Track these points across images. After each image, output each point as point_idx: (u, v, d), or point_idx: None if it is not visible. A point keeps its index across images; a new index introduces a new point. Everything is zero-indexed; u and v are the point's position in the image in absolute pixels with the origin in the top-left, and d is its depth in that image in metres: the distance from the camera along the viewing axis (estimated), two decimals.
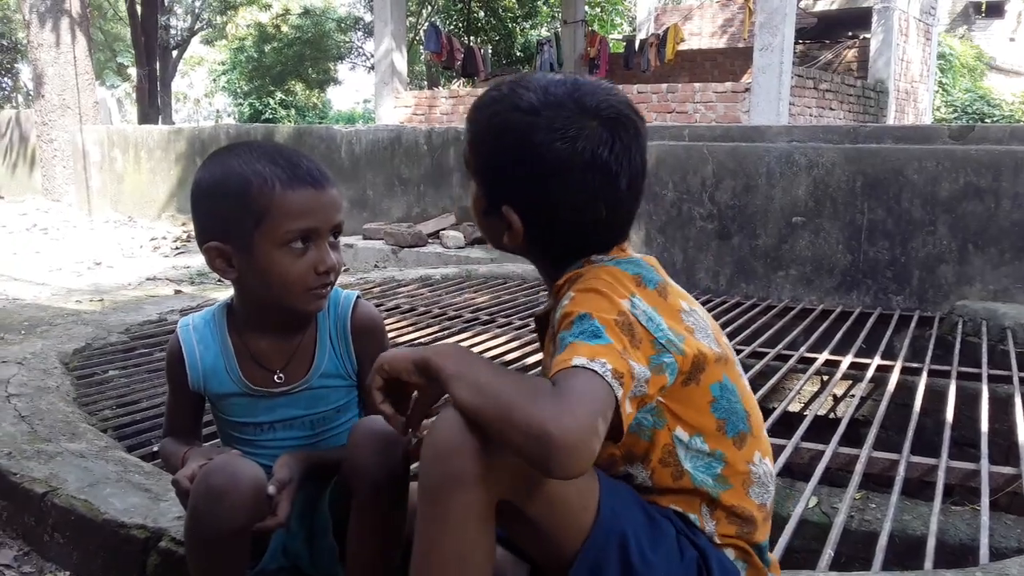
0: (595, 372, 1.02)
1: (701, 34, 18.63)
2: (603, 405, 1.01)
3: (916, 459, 2.49)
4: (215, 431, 1.56)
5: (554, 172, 1.18)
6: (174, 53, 23.19)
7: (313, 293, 1.37)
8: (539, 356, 3.15)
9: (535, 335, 3.71)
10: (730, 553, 1.24)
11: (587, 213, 1.20)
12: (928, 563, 1.85)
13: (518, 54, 20.18)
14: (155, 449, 2.38)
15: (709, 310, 4.25)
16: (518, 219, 1.22)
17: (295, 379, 1.46)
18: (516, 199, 1.22)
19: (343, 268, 1.43)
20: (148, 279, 5.74)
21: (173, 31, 23.45)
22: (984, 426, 2.71)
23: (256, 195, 1.33)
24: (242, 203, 1.34)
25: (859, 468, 2.38)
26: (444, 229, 7.05)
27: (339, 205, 1.40)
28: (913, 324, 3.95)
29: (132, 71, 22.09)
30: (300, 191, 1.34)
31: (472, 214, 1.34)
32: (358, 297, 1.51)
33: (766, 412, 2.92)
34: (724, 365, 1.22)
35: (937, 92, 17.27)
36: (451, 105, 12.38)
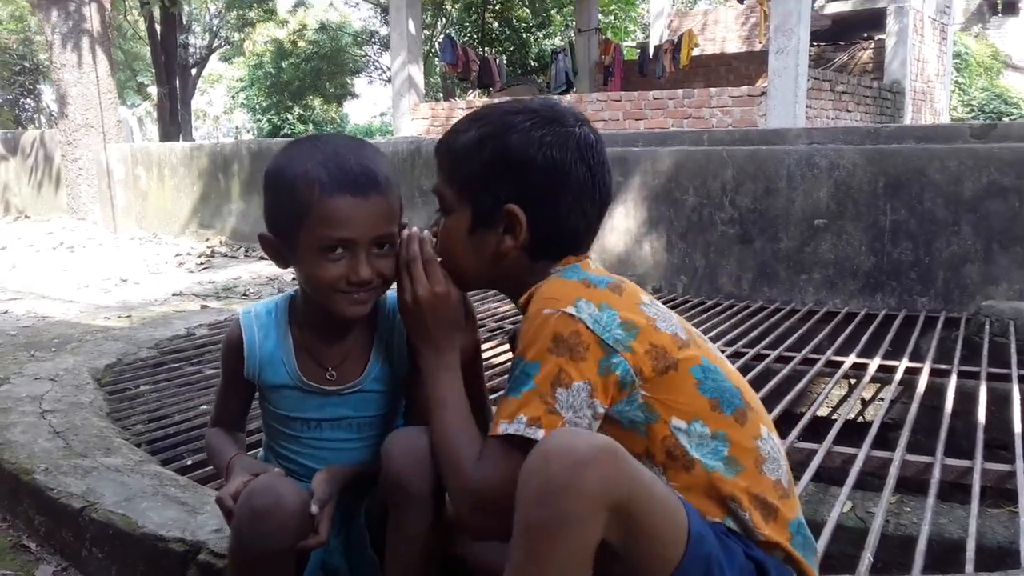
0: (510, 439, 1.18)
1: (715, 39, 18.59)
2: (512, 469, 1.12)
3: (950, 462, 2.47)
4: (259, 426, 1.56)
5: (556, 161, 1.27)
6: (193, 71, 23.43)
7: (347, 298, 1.36)
8: None
9: None
10: (779, 556, 1.22)
11: (582, 204, 1.30)
12: (969, 566, 1.83)
13: (532, 64, 20.24)
14: (188, 463, 2.41)
15: (732, 315, 4.26)
16: (523, 214, 1.28)
17: (347, 379, 1.46)
18: (518, 195, 1.28)
19: (391, 277, 1.39)
20: (174, 295, 5.78)
21: (192, 49, 23.71)
22: (1017, 427, 2.68)
23: (299, 196, 1.32)
24: (288, 201, 1.34)
25: (893, 471, 2.36)
26: None
27: (384, 216, 1.35)
28: (939, 325, 3.92)
29: (152, 90, 22.33)
30: (338, 199, 1.31)
31: (443, 249, 1.37)
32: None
33: (794, 417, 2.91)
34: (698, 348, 1.25)
35: (954, 91, 17.14)
36: None
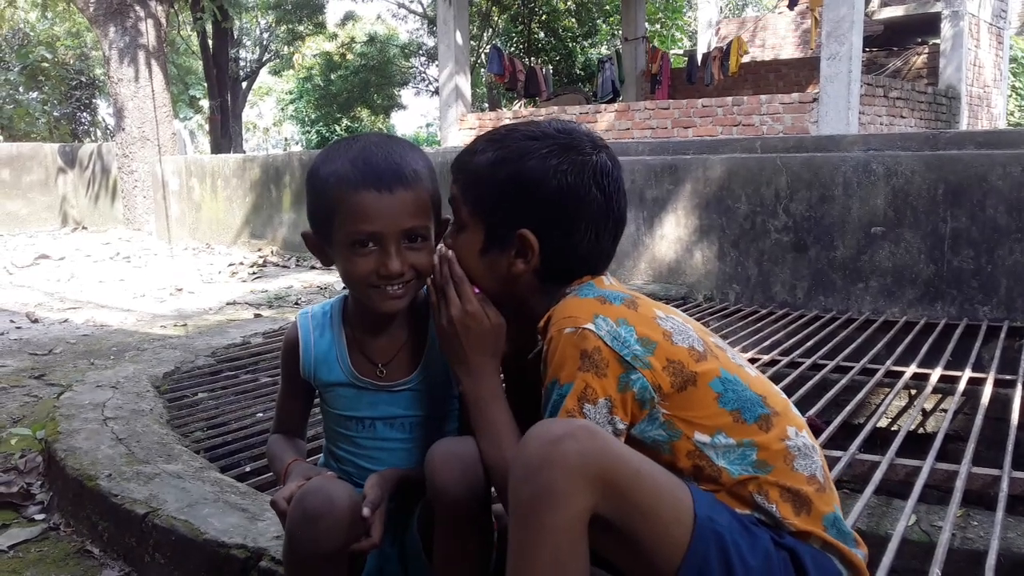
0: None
1: (764, 46, 18.42)
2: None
3: (1018, 474, 2.40)
4: (321, 432, 1.58)
5: (571, 188, 1.29)
6: (244, 84, 23.84)
7: (381, 292, 1.38)
8: None
9: None
10: (815, 543, 1.21)
11: (596, 230, 1.32)
12: None
13: (579, 73, 20.24)
14: (247, 470, 2.43)
15: (787, 324, 4.19)
16: (535, 239, 1.30)
17: (397, 376, 1.47)
18: (532, 221, 1.30)
19: (425, 270, 1.41)
20: (228, 304, 5.87)
21: (242, 63, 24.12)
22: None
23: (329, 195, 1.36)
24: (322, 200, 1.38)
25: (959, 484, 2.30)
26: None
27: (411, 209, 1.35)
28: (1003, 335, 3.82)
29: (204, 103, 22.75)
30: (363, 194, 1.33)
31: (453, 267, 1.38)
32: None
33: (854, 428, 2.85)
34: (715, 360, 1.25)
35: (1011, 96, 16.77)
36: None
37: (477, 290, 1.37)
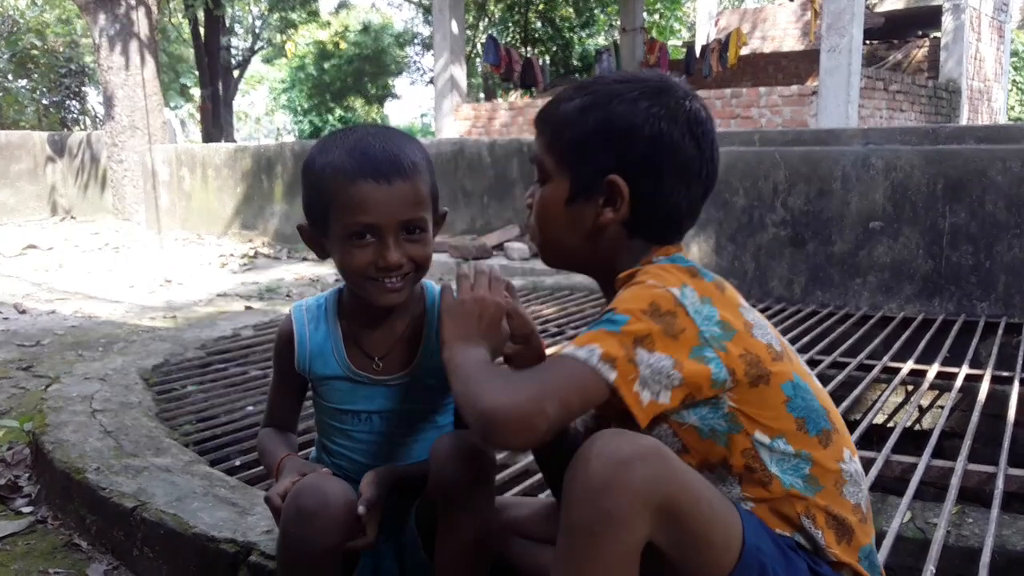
0: (575, 357, 1.07)
1: (765, 38, 18.38)
2: (562, 386, 1.07)
3: (1014, 471, 2.39)
4: (312, 426, 1.56)
5: (664, 134, 1.20)
6: (235, 73, 23.70)
7: (378, 286, 1.36)
8: None
9: None
10: (847, 575, 1.18)
11: (687, 181, 1.23)
12: None
13: (576, 63, 20.19)
14: (237, 463, 2.40)
15: (784, 319, 4.17)
16: (625, 185, 1.21)
17: (394, 370, 1.46)
18: (622, 167, 1.22)
19: (423, 262, 1.40)
20: (218, 295, 5.83)
21: (234, 51, 23.97)
22: None
23: (325, 186, 1.35)
24: (318, 191, 1.36)
25: (955, 481, 2.28)
26: (508, 241, 7.04)
27: (409, 200, 1.34)
28: (1000, 331, 3.80)
29: (195, 92, 22.64)
30: (360, 185, 1.31)
31: (537, 219, 1.31)
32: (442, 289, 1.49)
33: (850, 424, 2.83)
34: (790, 363, 1.20)
35: (1011, 90, 16.80)
36: (510, 116, 12.40)
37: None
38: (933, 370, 3.32)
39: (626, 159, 1.21)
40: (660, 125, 1.20)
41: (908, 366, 3.38)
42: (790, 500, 1.16)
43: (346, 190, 1.32)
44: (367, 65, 25.01)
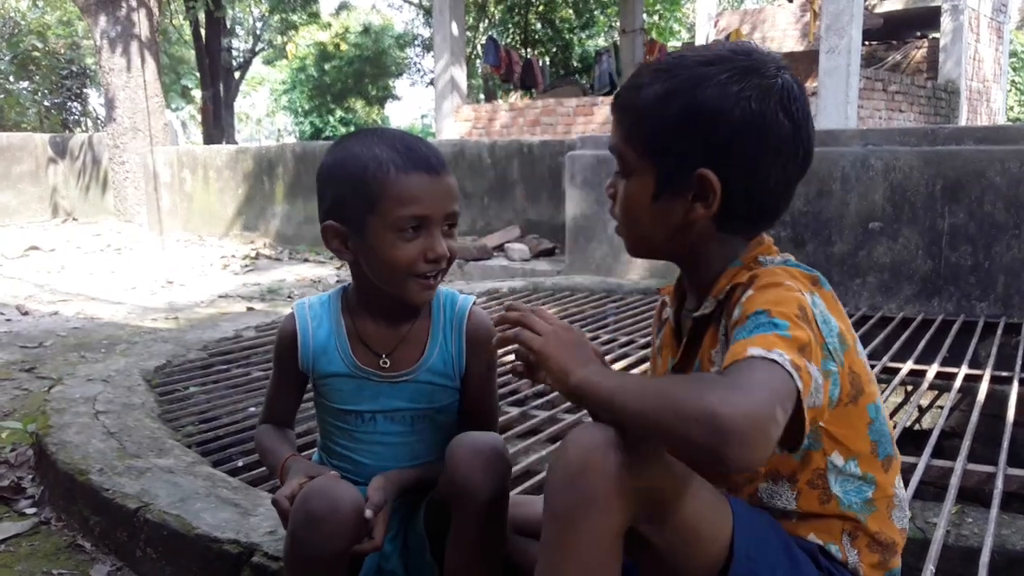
0: (773, 361, 0.94)
1: (764, 39, 18.37)
2: (782, 393, 0.92)
3: (1014, 471, 2.39)
4: (310, 428, 1.56)
5: (756, 116, 1.11)
6: (236, 74, 23.70)
7: (420, 282, 1.37)
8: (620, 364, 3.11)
9: (607, 346, 3.62)
10: None
11: (783, 162, 1.14)
12: None
13: (576, 65, 20.20)
14: (239, 464, 2.41)
15: None
16: (717, 179, 1.12)
17: (401, 367, 1.45)
18: (712, 158, 1.12)
19: (456, 258, 1.41)
20: (220, 296, 5.84)
21: (235, 53, 23.97)
22: None
23: (371, 179, 1.33)
24: (358, 186, 1.35)
25: (955, 481, 2.29)
26: (509, 242, 7.04)
27: (454, 194, 1.37)
28: (999, 331, 3.82)
29: (196, 93, 22.63)
30: (414, 176, 1.33)
31: (623, 215, 1.23)
32: (474, 303, 1.50)
33: None
34: (874, 384, 1.16)
35: (1010, 91, 16.80)
36: (511, 118, 12.41)
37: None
38: (932, 370, 3.33)
39: (716, 149, 1.12)
40: (751, 106, 1.10)
41: (908, 366, 3.38)
42: (842, 519, 1.14)
43: (400, 182, 1.32)
44: (368, 66, 25.02)
